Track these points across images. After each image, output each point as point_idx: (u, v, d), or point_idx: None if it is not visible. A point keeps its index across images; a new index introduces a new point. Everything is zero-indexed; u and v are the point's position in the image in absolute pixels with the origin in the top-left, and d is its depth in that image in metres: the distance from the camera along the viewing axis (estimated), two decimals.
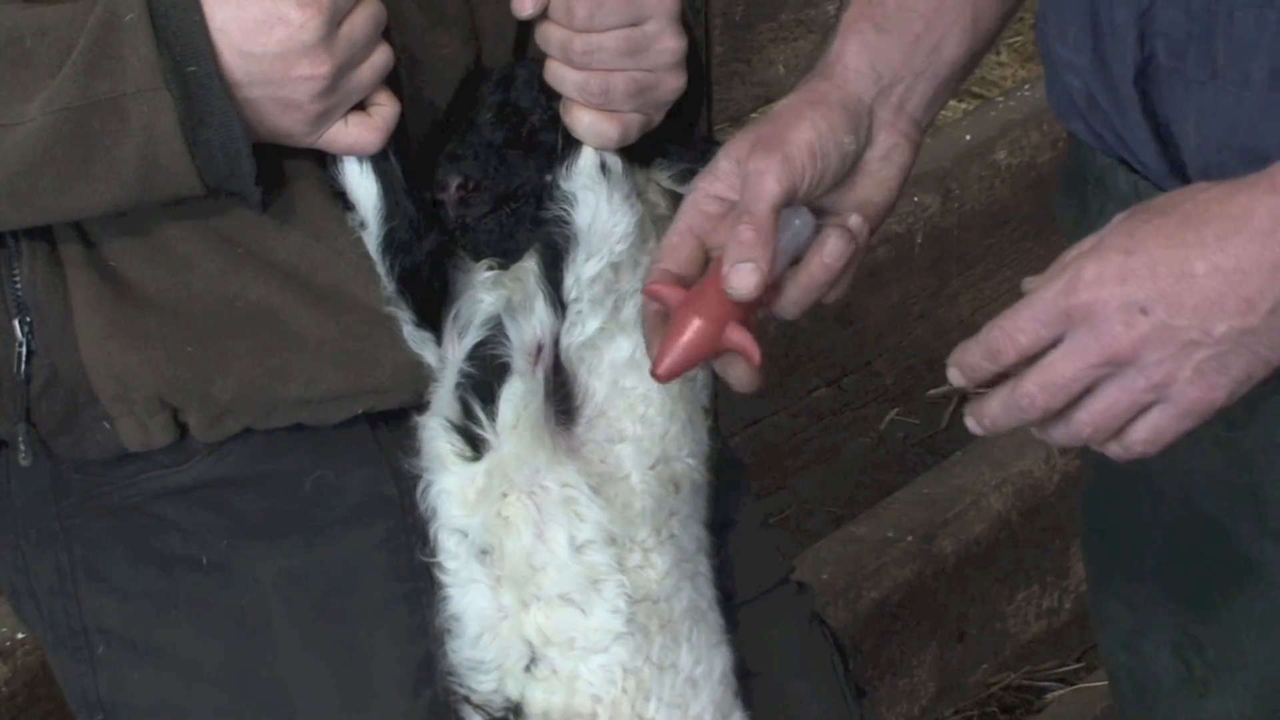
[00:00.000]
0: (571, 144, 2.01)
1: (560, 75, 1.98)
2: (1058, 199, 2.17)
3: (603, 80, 1.97)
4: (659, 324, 1.92)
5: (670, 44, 1.97)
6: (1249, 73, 1.84)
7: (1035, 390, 1.76)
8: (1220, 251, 1.71)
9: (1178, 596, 2.18)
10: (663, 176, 2.12)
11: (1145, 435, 1.77)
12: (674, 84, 2.00)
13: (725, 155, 1.96)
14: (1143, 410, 1.78)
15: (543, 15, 1.96)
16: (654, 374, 1.89)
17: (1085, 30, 1.93)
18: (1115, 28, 1.91)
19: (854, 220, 1.94)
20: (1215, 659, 2.15)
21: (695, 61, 2.07)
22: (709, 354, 1.89)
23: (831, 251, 1.91)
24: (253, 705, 2.04)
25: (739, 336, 1.88)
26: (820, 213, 1.95)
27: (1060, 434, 1.81)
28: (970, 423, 1.83)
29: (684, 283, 1.92)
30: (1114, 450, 1.81)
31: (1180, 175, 1.90)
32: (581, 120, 1.99)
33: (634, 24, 1.95)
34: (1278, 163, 1.75)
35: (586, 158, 2.01)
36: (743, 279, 1.86)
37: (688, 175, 2.08)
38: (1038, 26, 2.09)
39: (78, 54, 1.82)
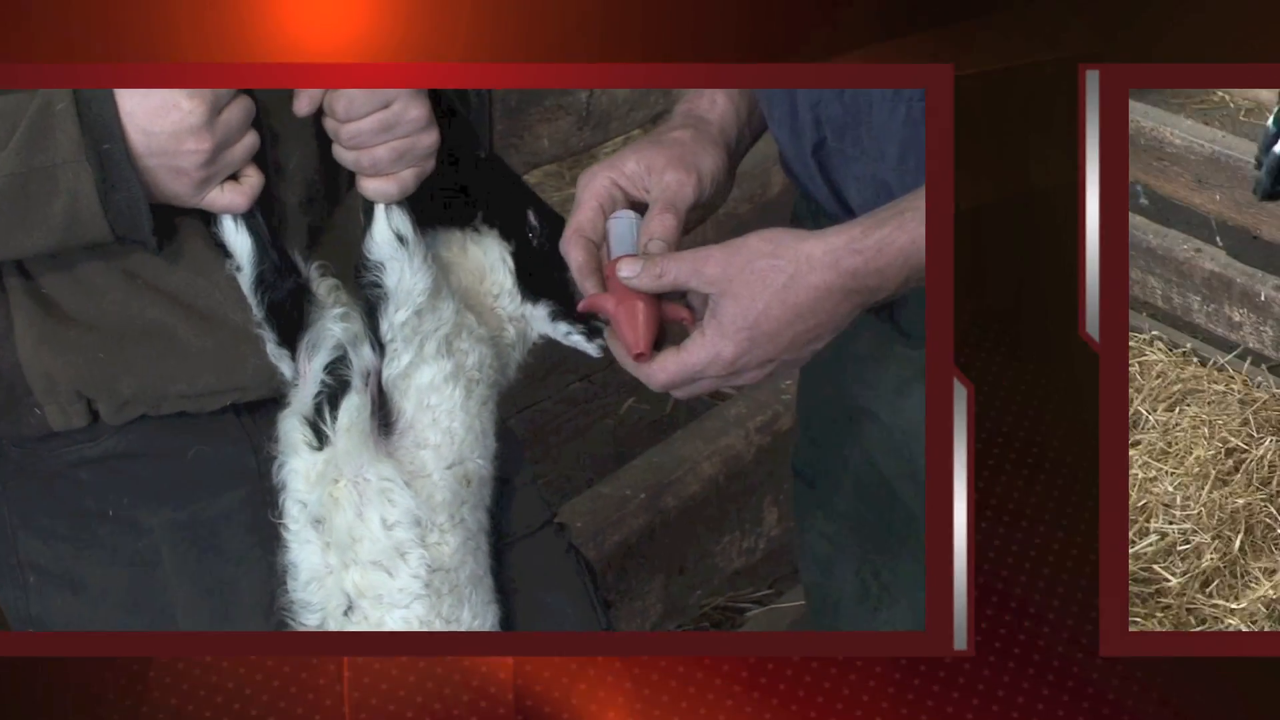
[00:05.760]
0: (369, 218, 2.05)
1: (341, 156, 2.03)
2: (795, 217, 2.26)
3: (369, 155, 2.00)
4: (611, 331, 1.97)
5: (415, 113, 2.00)
6: (884, 150, 1.98)
7: (668, 380, 1.95)
8: (813, 315, 1.89)
9: (861, 533, 2.33)
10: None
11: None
12: (428, 140, 2.02)
13: (635, 158, 2.00)
14: None
15: (321, 111, 2.02)
16: (638, 358, 1.91)
17: (785, 113, 2.07)
18: (799, 114, 2.05)
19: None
20: (888, 581, 2.33)
21: (465, 107, 2.10)
22: (658, 325, 1.93)
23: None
24: (145, 622, 2.12)
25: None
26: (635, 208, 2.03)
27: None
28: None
29: (594, 244, 1.97)
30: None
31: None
32: (366, 187, 2.03)
33: (384, 106, 1.99)
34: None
35: (381, 230, 2.04)
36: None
37: (558, 314, 2.19)
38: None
39: (20, 133, 1.89)
